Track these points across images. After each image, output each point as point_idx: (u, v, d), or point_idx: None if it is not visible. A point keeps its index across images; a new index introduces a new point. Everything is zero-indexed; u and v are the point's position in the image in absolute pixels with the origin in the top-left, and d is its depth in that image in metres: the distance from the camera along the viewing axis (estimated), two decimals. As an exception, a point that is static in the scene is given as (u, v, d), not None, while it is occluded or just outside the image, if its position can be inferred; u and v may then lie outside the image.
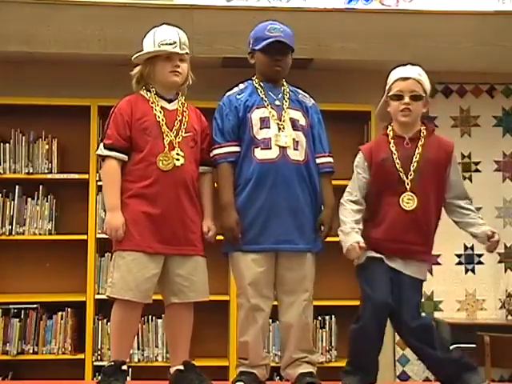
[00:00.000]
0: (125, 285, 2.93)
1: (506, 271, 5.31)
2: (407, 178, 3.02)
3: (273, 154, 3.06)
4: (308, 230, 3.10)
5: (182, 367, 3.03)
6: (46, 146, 4.85)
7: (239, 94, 3.17)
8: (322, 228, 3.13)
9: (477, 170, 5.34)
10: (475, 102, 5.40)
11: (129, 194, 2.98)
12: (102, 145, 3.05)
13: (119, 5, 4.49)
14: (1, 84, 4.88)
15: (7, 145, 4.84)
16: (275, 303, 3.17)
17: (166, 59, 3.05)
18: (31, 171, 4.83)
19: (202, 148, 3.12)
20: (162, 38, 3.05)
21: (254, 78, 3.21)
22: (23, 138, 4.86)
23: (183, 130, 3.03)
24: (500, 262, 5.31)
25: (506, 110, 5.40)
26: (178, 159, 2.97)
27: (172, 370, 3.07)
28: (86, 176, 4.74)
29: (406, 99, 3.04)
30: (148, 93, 3.08)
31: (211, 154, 3.13)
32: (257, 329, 3.07)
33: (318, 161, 3.16)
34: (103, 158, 3.04)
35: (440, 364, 3.04)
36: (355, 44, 4.70)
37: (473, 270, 5.28)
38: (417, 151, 3.05)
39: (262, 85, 3.17)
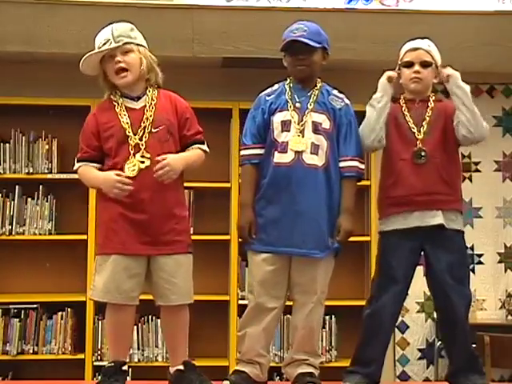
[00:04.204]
0: (104, 287, 2.91)
1: (506, 271, 5.32)
2: (419, 133, 3.12)
3: (287, 157, 3.05)
4: (320, 234, 3.05)
5: (182, 367, 3.02)
6: (46, 146, 4.85)
7: (269, 96, 3.17)
8: (337, 232, 3.07)
9: (477, 170, 5.34)
10: (475, 101, 5.32)
11: (105, 197, 2.95)
12: (75, 159, 3.04)
13: (119, 5, 4.49)
14: (1, 84, 4.87)
15: (7, 145, 4.85)
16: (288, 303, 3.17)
17: (109, 59, 2.96)
18: (31, 171, 4.83)
19: (183, 135, 3.03)
20: (97, 43, 2.97)
21: (288, 79, 3.19)
22: (23, 138, 4.87)
23: (148, 128, 2.94)
24: (500, 262, 5.32)
25: (506, 110, 5.41)
26: (142, 162, 2.91)
27: (172, 369, 3.06)
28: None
29: (417, 67, 3.16)
30: (115, 95, 3.01)
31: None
32: (257, 328, 3.07)
33: (340, 164, 3.09)
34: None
35: (460, 342, 3.10)
36: (355, 44, 4.70)
37: (473, 270, 5.28)
38: (428, 109, 3.17)
39: (292, 86, 3.15)
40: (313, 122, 3.08)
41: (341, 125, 3.11)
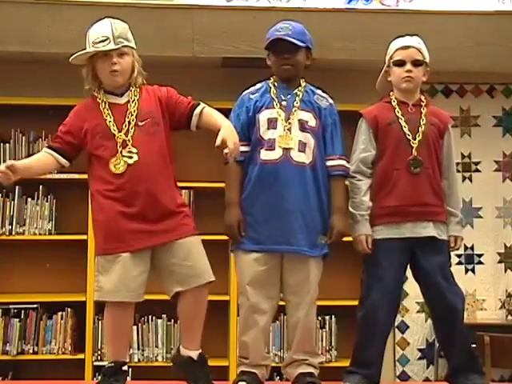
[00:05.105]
0: (113, 287, 2.88)
1: (506, 271, 5.31)
2: (415, 141, 3.09)
3: (275, 155, 3.05)
4: (311, 232, 3.06)
5: (195, 357, 2.98)
6: (46, 146, 4.85)
7: (253, 94, 3.17)
8: (330, 233, 3.08)
9: (477, 170, 5.34)
10: (475, 101, 5.40)
11: (100, 196, 2.94)
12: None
13: (119, 5, 4.49)
14: (1, 84, 4.87)
15: (7, 145, 4.85)
16: (281, 303, 3.17)
17: (103, 58, 2.93)
18: (31, 171, 4.83)
19: (179, 113, 3.00)
20: (95, 36, 2.94)
21: (271, 78, 3.20)
22: (23, 138, 4.87)
23: (133, 122, 2.93)
24: (500, 262, 5.31)
25: (506, 110, 5.40)
26: (130, 157, 2.90)
27: (183, 351, 3.01)
28: (86, 176, 4.74)
29: (408, 66, 3.12)
30: (98, 93, 3.00)
31: None
32: (257, 330, 3.07)
33: (328, 163, 3.11)
34: None
35: (460, 342, 3.09)
36: (355, 44, 4.70)
37: (473, 270, 5.28)
38: (422, 116, 3.14)
39: (276, 85, 3.15)
40: (299, 120, 3.09)
41: (326, 124, 3.14)
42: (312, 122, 3.11)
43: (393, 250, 3.07)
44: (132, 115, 2.95)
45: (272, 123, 3.09)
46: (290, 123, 3.08)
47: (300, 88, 3.16)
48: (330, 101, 3.20)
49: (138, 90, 3.01)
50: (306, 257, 3.05)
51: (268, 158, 3.06)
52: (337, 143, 3.14)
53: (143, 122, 2.95)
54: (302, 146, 3.07)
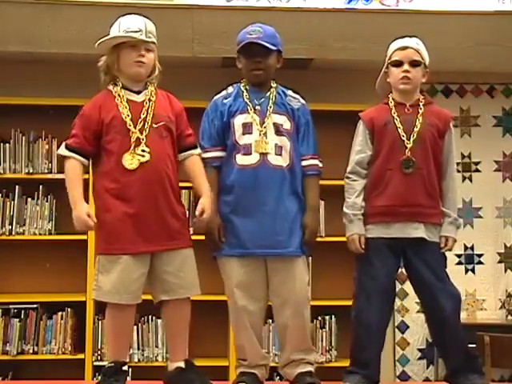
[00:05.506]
0: (113, 288, 2.89)
1: (506, 271, 5.31)
2: (409, 141, 3.07)
3: (252, 159, 3.05)
4: (293, 233, 3.07)
5: (182, 365, 3.01)
6: (46, 146, 4.85)
7: (225, 98, 3.16)
8: (304, 232, 3.09)
9: (477, 170, 5.34)
10: (475, 101, 5.40)
11: (106, 194, 2.93)
12: (63, 144, 2.98)
13: (119, 5, 4.49)
14: (1, 84, 4.87)
15: (7, 145, 4.85)
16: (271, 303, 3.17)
17: (131, 48, 2.96)
18: (31, 171, 4.83)
19: (181, 134, 3.05)
20: (127, 25, 2.96)
21: (242, 81, 3.20)
22: (23, 138, 4.87)
23: (149, 122, 2.94)
24: (500, 262, 5.31)
25: (506, 110, 5.40)
26: (142, 156, 2.91)
27: (171, 365, 3.04)
28: (86, 176, 4.74)
29: (406, 66, 3.12)
30: (115, 87, 3.00)
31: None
32: (248, 332, 3.09)
33: (303, 163, 3.13)
34: (64, 157, 2.98)
35: (453, 344, 3.07)
36: (355, 44, 4.70)
37: (473, 270, 5.28)
38: (418, 116, 3.13)
39: (248, 88, 3.16)
40: (274, 123, 3.10)
41: (299, 125, 3.15)
42: (286, 124, 3.12)
43: (383, 249, 3.07)
44: (149, 115, 2.96)
45: (247, 128, 3.09)
46: (265, 127, 3.08)
47: (272, 90, 3.16)
48: (302, 101, 3.20)
49: (154, 90, 3.03)
50: (289, 257, 3.06)
51: (245, 163, 3.06)
52: (309, 143, 3.15)
53: (158, 124, 2.96)
54: (279, 150, 3.08)
